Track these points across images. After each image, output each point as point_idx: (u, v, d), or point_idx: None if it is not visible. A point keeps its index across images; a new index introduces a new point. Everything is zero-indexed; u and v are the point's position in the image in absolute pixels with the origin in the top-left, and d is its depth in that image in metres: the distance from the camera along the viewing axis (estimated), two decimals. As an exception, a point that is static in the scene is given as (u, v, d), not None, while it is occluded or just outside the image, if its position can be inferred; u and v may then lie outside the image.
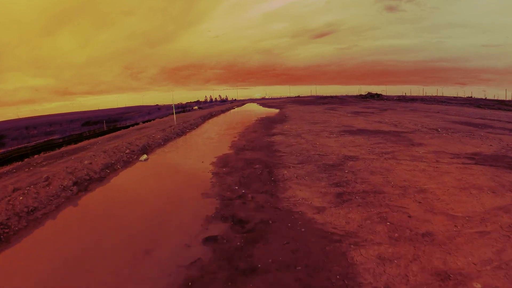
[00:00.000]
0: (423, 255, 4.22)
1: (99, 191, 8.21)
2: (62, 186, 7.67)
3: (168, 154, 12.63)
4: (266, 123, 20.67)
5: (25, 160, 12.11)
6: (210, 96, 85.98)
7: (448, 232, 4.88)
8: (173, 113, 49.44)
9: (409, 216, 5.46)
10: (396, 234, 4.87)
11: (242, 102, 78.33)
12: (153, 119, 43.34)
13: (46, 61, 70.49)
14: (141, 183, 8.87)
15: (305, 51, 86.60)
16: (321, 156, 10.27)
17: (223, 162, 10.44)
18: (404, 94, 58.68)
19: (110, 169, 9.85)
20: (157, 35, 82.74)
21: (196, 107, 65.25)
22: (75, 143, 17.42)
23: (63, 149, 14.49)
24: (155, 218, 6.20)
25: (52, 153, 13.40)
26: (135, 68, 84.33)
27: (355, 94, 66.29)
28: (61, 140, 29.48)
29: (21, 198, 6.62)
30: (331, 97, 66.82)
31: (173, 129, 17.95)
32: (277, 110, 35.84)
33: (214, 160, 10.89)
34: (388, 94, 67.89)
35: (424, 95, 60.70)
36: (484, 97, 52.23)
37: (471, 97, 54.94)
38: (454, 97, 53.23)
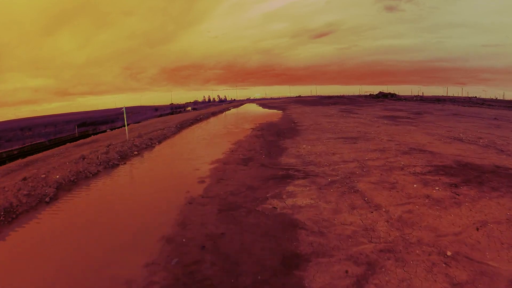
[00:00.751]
0: None
1: None
2: None
3: None
4: (268, 137, 12.96)
5: None
6: (209, 96, 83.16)
7: None
8: (164, 115, 41.70)
9: None
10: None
11: (240, 103, 71.83)
12: (139, 122, 36.00)
13: (46, 62, 69.30)
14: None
15: (305, 51, 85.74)
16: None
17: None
18: (421, 94, 51.13)
19: None
20: (157, 35, 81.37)
21: (189, 108, 57.79)
22: (32, 154, 12.87)
23: None
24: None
25: None
26: (134, 69, 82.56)
27: (356, 93, 63.54)
28: (16, 152, 22.26)
29: None
30: (337, 97, 59.32)
31: (101, 156, 9.15)
32: (280, 112, 28.43)
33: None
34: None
35: (441, 95, 53.36)
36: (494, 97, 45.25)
37: (495, 98, 47.60)
38: (481, 98, 45.96)
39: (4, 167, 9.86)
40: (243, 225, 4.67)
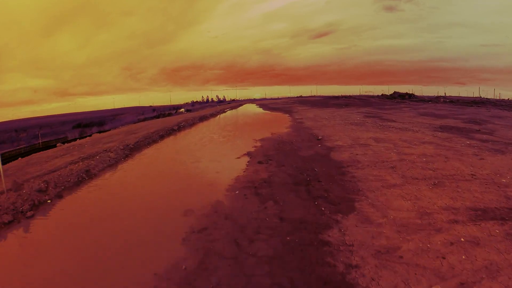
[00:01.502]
0: None
1: None
2: None
3: None
4: (287, 202, 6.20)
5: None
6: (207, 96, 78.77)
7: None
8: (149, 118, 35.05)
9: None
10: None
11: (239, 103, 65.31)
12: (106, 131, 29.36)
13: (45, 62, 67.13)
14: None
15: (304, 51, 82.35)
16: None
17: None
18: (443, 95, 44.30)
19: None
20: (157, 36, 79.14)
21: (182, 110, 51.01)
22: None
23: None
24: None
25: None
26: (134, 69, 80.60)
27: (357, 93, 59.88)
28: None
29: None
30: (344, 97, 52.55)
31: None
32: (286, 116, 21.62)
33: None
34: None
35: (476, 96, 46.61)
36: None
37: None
38: None
39: None
40: None
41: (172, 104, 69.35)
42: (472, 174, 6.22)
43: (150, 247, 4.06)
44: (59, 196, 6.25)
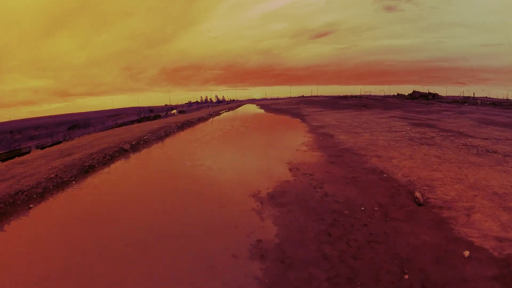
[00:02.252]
0: None
1: None
2: None
3: None
4: None
5: None
6: (206, 96, 75.80)
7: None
8: (127, 123, 29.27)
9: None
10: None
11: (238, 104, 59.47)
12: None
13: (45, 62, 66.35)
14: None
15: (304, 51, 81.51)
16: None
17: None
18: (472, 96, 38.04)
19: None
20: (157, 36, 79.13)
21: (174, 111, 44.82)
22: None
23: None
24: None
25: None
26: (134, 69, 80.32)
27: (357, 94, 55.75)
28: None
29: None
30: (354, 97, 46.53)
31: None
32: (298, 122, 15.60)
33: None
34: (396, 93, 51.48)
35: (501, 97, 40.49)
36: None
37: None
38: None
39: None
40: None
41: (171, 104, 67.38)
42: None
43: None
44: None
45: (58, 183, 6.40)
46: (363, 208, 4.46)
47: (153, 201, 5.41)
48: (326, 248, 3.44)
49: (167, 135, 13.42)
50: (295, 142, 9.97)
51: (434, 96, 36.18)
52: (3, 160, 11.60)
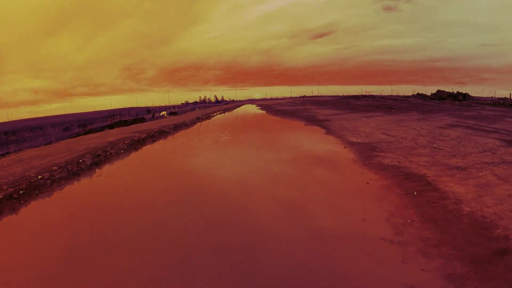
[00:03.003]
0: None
1: None
2: None
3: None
4: None
5: None
6: (205, 96, 73.82)
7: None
8: (94, 131, 23.45)
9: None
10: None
11: (237, 104, 53.69)
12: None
13: (45, 63, 67.71)
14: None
15: (303, 52, 79.28)
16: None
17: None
18: (508, 97, 31.94)
19: None
20: (156, 37, 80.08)
21: (164, 113, 38.82)
22: None
23: None
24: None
25: None
26: (134, 70, 79.71)
27: (357, 93, 52.61)
28: None
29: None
30: (364, 96, 40.84)
31: None
32: (322, 134, 9.97)
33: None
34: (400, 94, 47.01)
35: None
36: None
37: None
38: None
39: None
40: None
41: (170, 104, 65.10)
42: None
43: None
44: None
45: None
46: None
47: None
48: None
49: (126, 152, 7.56)
50: (356, 210, 4.15)
51: (465, 96, 30.33)
52: None
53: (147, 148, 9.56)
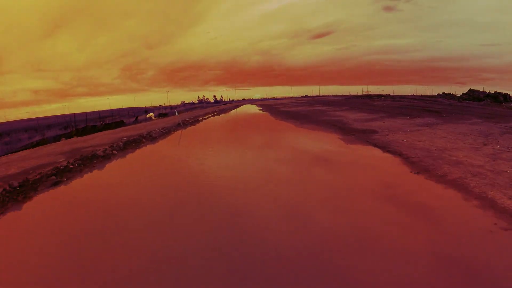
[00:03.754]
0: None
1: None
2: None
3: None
4: None
5: None
6: (204, 96, 72.07)
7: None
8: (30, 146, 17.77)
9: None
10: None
11: (235, 104, 48.43)
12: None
13: (45, 64, 67.07)
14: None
15: (303, 52, 78.15)
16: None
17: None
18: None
19: None
20: (156, 37, 79.08)
21: (151, 114, 33.02)
22: None
23: None
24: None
25: None
26: (134, 70, 79.57)
27: (357, 93, 50.84)
28: None
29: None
30: (378, 96, 35.39)
31: None
32: (412, 175, 4.62)
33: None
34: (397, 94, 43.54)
35: None
36: None
37: None
38: None
39: None
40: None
41: (170, 104, 63.98)
42: None
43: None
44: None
45: None
46: None
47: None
48: None
49: None
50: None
51: (506, 96, 25.00)
52: None
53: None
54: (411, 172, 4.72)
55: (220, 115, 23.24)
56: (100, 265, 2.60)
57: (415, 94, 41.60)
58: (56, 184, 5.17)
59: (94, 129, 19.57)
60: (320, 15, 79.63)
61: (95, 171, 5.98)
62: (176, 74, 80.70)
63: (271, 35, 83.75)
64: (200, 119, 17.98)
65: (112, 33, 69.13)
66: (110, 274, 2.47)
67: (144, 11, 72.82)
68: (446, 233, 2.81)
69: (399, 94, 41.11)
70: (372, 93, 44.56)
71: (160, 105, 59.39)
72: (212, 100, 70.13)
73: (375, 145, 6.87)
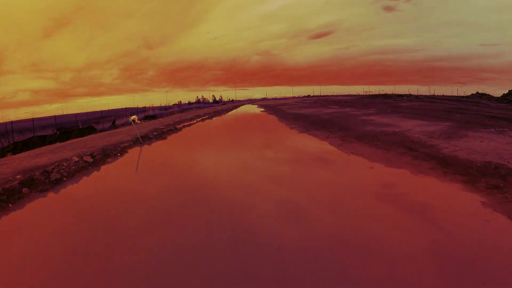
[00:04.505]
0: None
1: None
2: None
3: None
4: None
5: None
6: (202, 96, 72.39)
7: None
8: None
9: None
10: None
11: (234, 105, 44.07)
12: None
13: (46, 64, 64.83)
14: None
15: (303, 52, 78.34)
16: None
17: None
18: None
19: None
20: (156, 37, 78.22)
21: (135, 117, 27.95)
22: None
23: None
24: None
25: None
26: (134, 70, 79.28)
27: (359, 93, 50.47)
28: None
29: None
30: (399, 96, 30.68)
31: None
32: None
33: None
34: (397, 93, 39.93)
35: None
36: None
37: None
38: None
39: None
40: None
41: (169, 104, 63.03)
42: None
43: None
44: None
45: None
46: None
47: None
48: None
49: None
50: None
51: None
52: None
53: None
54: None
55: (212, 118, 18.37)
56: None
57: (444, 94, 37.11)
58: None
59: (43, 142, 14.34)
60: (320, 15, 79.37)
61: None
62: (176, 74, 79.78)
63: (271, 35, 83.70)
64: (178, 126, 13.06)
65: (112, 33, 69.34)
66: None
67: (144, 11, 73.18)
68: None
69: (431, 94, 37.24)
70: (388, 92, 40.00)
71: (160, 105, 58.40)
72: (211, 100, 69.11)
73: None
